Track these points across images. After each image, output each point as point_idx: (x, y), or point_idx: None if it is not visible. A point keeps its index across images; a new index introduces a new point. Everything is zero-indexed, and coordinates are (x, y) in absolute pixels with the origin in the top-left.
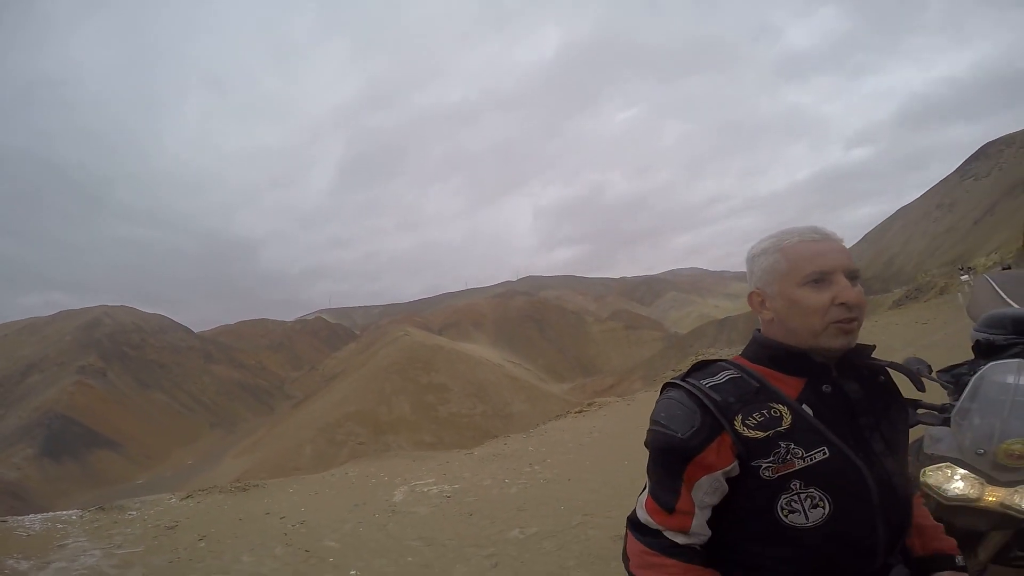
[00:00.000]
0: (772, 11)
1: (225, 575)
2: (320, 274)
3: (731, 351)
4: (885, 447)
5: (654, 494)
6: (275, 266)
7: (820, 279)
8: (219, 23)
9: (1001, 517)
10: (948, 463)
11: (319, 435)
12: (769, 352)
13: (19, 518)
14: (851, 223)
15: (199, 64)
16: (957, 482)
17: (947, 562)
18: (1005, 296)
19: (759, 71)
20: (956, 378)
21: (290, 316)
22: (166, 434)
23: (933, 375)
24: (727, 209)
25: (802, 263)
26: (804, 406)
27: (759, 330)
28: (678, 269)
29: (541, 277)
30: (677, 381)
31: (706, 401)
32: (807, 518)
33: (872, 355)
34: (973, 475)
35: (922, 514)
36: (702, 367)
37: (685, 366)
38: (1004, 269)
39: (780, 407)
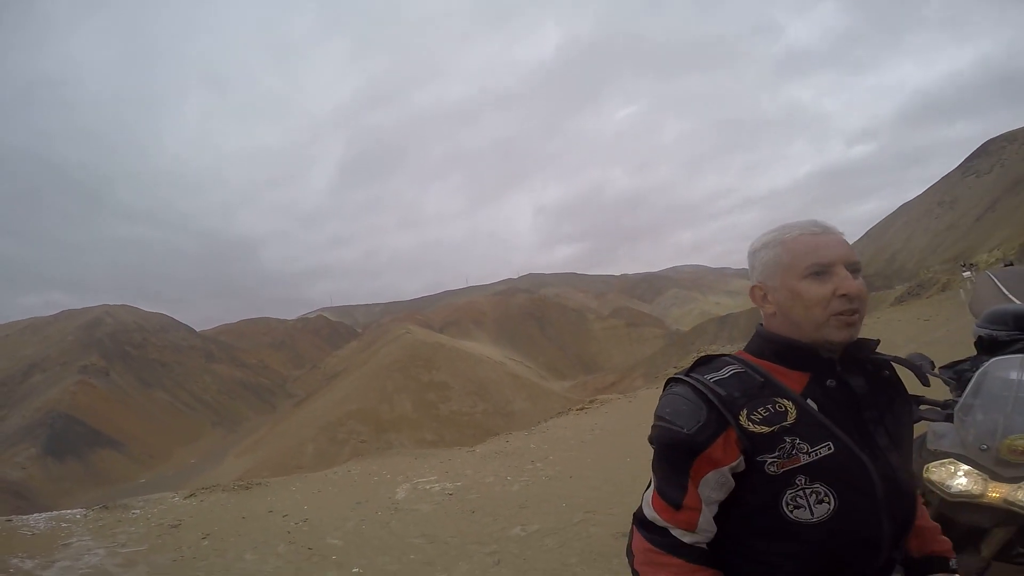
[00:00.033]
0: (773, 7)
1: (228, 573)
2: (321, 272)
3: (733, 348)
4: (889, 442)
5: (660, 490)
6: (276, 265)
7: (821, 271)
8: (219, 22)
9: (1004, 513)
10: (951, 459)
11: (321, 433)
12: (773, 346)
13: (23, 517)
14: (853, 219)
15: (199, 63)
16: (960, 478)
17: (941, 565)
18: (1007, 292)
19: (760, 67)
20: (959, 374)
21: (291, 314)
22: (168, 433)
23: (936, 371)
24: (728, 206)
25: (803, 256)
26: (809, 401)
27: (762, 324)
28: (679, 266)
29: (542, 274)
30: (681, 376)
31: (711, 396)
32: (812, 513)
33: (876, 350)
34: (976, 471)
35: (920, 514)
36: (706, 362)
37: (687, 363)
38: (1006, 266)
39: (785, 402)
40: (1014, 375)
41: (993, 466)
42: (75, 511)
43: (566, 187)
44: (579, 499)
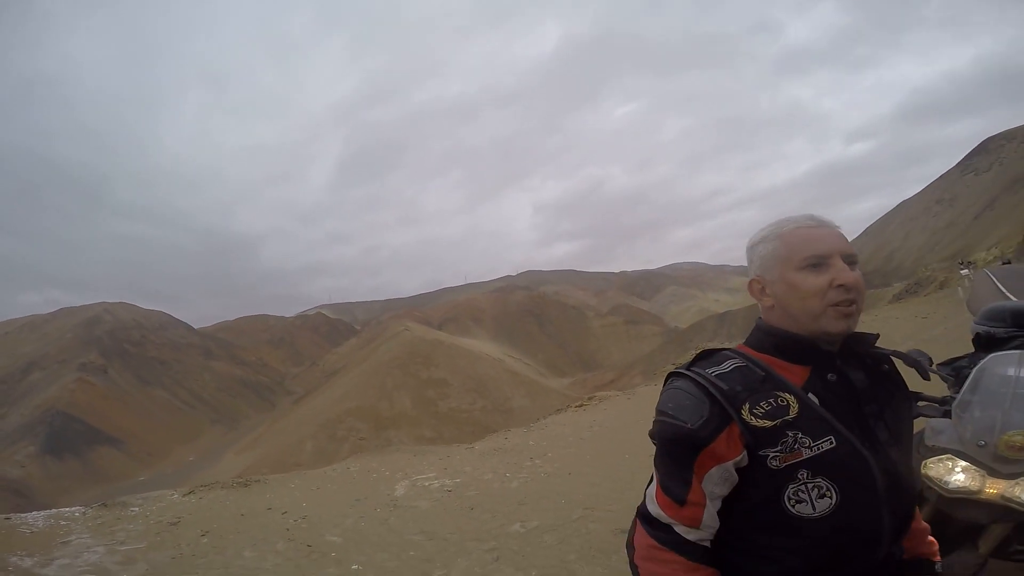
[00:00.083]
0: (772, 6)
1: (227, 570)
2: (320, 270)
3: (732, 345)
4: (889, 436)
5: (664, 486)
6: (275, 262)
7: (818, 263)
8: (218, 20)
9: (1002, 510)
10: (949, 455)
11: (320, 431)
12: (773, 340)
13: (22, 515)
14: (851, 217)
15: (198, 61)
16: (958, 474)
17: (927, 568)
18: (1005, 290)
19: (759, 65)
20: (956, 371)
21: (290, 312)
22: (167, 431)
23: (934, 368)
24: (727, 203)
25: (800, 247)
26: (810, 395)
27: (761, 318)
28: (678, 263)
29: (541, 271)
30: (683, 370)
31: (713, 390)
32: (814, 508)
33: (875, 344)
34: (974, 467)
35: (914, 514)
36: (707, 356)
37: (685, 360)
38: (1004, 264)
39: (787, 396)
40: (1012, 371)
41: (991, 462)
42: (74, 509)
43: (565, 184)
44: (578, 496)
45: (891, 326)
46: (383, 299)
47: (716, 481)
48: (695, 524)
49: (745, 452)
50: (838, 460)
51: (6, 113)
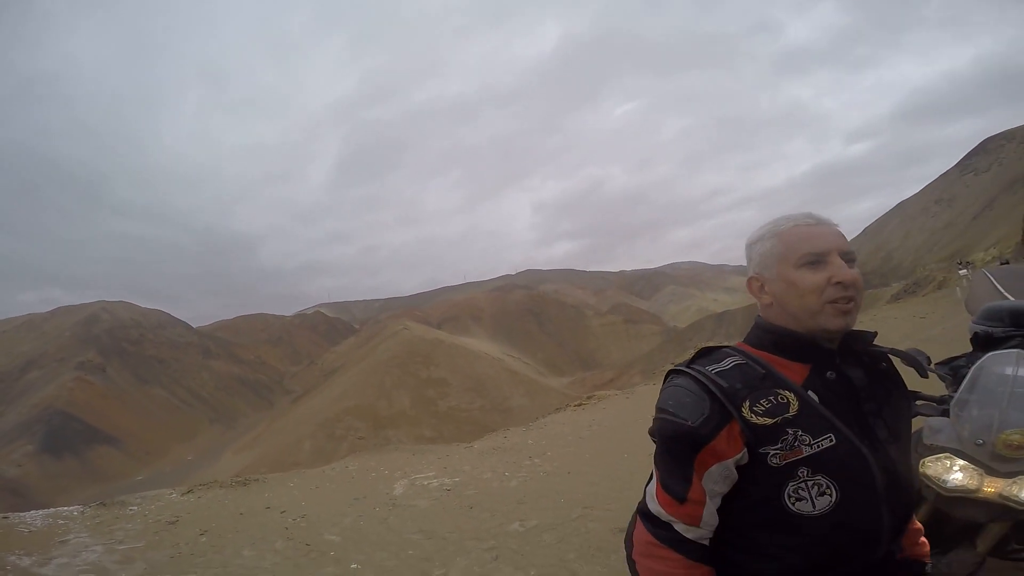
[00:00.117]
0: (773, 5)
1: (226, 569)
2: (319, 269)
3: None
4: (888, 434)
5: (664, 484)
6: (274, 261)
7: (816, 260)
8: (217, 18)
9: (1000, 508)
10: (947, 454)
11: (319, 430)
12: (772, 337)
13: (20, 514)
14: (850, 217)
15: (198, 59)
16: (956, 473)
17: (918, 568)
18: (1003, 290)
19: (759, 65)
20: (954, 370)
21: (289, 311)
22: (165, 430)
23: (932, 367)
24: (726, 203)
25: (798, 245)
26: (810, 392)
27: (760, 316)
28: (677, 263)
29: (540, 271)
30: (682, 368)
31: (713, 388)
32: (814, 506)
33: (873, 343)
34: (972, 466)
35: None
36: (706, 353)
37: (685, 358)
38: (1003, 264)
39: (787, 393)
40: (1009, 370)
41: (989, 461)
42: (72, 508)
43: (565, 184)
44: (577, 495)
45: (889, 326)
46: (382, 298)
47: (716, 479)
48: (695, 522)
49: (745, 450)
50: (838, 458)
51: (6, 111)
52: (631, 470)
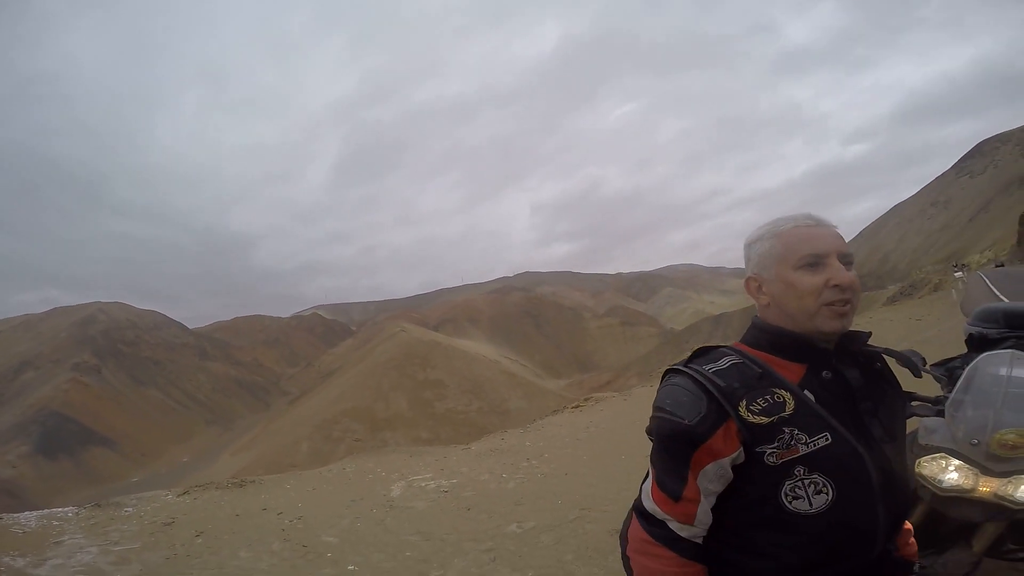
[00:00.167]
0: (772, 6)
1: (222, 570)
2: (317, 270)
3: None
4: (884, 433)
5: (660, 482)
6: (271, 262)
7: (814, 262)
8: (217, 18)
9: (995, 508)
10: (943, 454)
11: (316, 432)
12: (769, 337)
13: (14, 515)
14: (847, 219)
15: (197, 59)
16: (951, 472)
17: (906, 568)
18: (998, 293)
19: (758, 66)
20: (949, 371)
21: (286, 312)
22: (161, 431)
23: (927, 368)
24: (724, 205)
25: (797, 247)
26: (806, 392)
27: (757, 316)
28: (674, 265)
29: (538, 273)
30: (680, 367)
31: (710, 387)
32: (811, 504)
33: (868, 342)
34: (967, 466)
35: None
36: (704, 353)
37: (682, 359)
38: (997, 266)
39: (783, 392)
40: (1003, 371)
41: (984, 460)
42: (67, 509)
43: (563, 185)
44: (575, 496)
45: (885, 328)
46: (379, 300)
47: (711, 478)
48: (689, 520)
49: (742, 449)
50: (834, 456)
51: (5, 111)
52: (628, 472)
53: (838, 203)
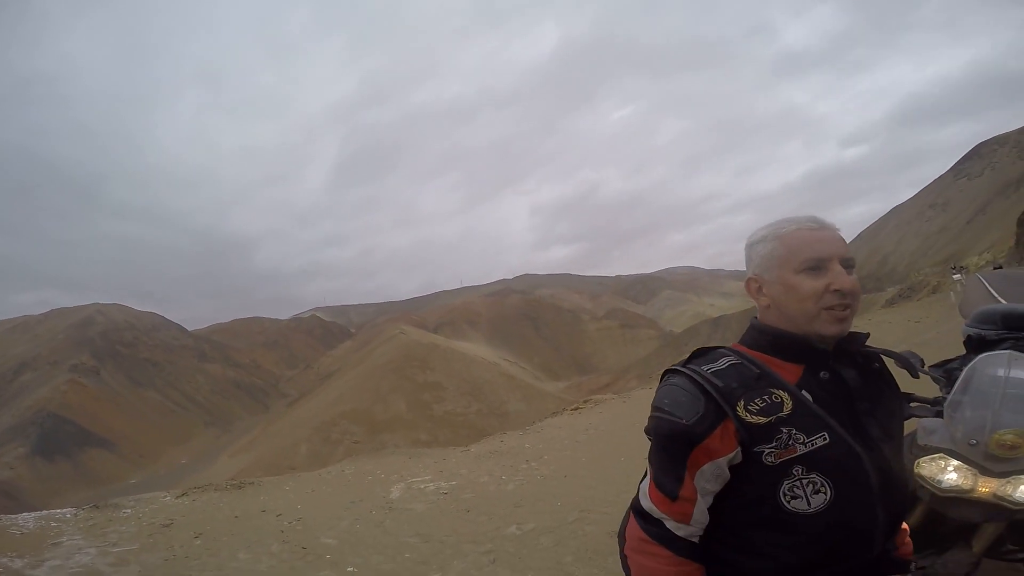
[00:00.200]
0: (770, 9)
1: (221, 572)
2: (315, 272)
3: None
4: (882, 433)
5: (657, 481)
6: (270, 264)
7: (816, 266)
8: (215, 19)
9: (994, 508)
10: (941, 454)
11: (314, 434)
12: (767, 338)
13: (12, 516)
14: (845, 222)
15: (195, 60)
16: (950, 473)
17: (901, 567)
18: (996, 294)
19: (755, 69)
20: (948, 373)
21: (285, 314)
22: (160, 433)
23: (925, 369)
24: (722, 207)
25: (799, 250)
26: (804, 392)
27: (756, 317)
28: (673, 267)
29: (537, 275)
30: (678, 367)
31: (708, 387)
32: (809, 504)
33: (866, 343)
34: (966, 466)
35: None
36: (702, 353)
37: (681, 360)
38: (995, 268)
39: (781, 393)
40: (1001, 371)
41: (982, 461)
42: (65, 511)
43: (562, 187)
44: (574, 498)
45: (884, 330)
46: (378, 302)
47: (708, 478)
48: (685, 520)
49: (739, 449)
50: (832, 456)
51: (3, 112)
52: (627, 473)
53: (835, 206)
